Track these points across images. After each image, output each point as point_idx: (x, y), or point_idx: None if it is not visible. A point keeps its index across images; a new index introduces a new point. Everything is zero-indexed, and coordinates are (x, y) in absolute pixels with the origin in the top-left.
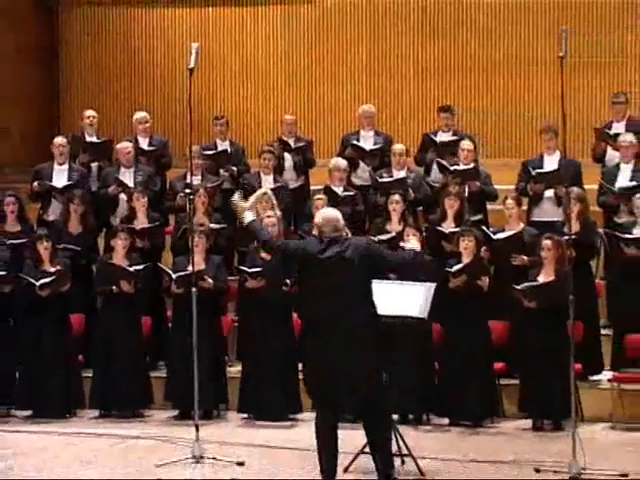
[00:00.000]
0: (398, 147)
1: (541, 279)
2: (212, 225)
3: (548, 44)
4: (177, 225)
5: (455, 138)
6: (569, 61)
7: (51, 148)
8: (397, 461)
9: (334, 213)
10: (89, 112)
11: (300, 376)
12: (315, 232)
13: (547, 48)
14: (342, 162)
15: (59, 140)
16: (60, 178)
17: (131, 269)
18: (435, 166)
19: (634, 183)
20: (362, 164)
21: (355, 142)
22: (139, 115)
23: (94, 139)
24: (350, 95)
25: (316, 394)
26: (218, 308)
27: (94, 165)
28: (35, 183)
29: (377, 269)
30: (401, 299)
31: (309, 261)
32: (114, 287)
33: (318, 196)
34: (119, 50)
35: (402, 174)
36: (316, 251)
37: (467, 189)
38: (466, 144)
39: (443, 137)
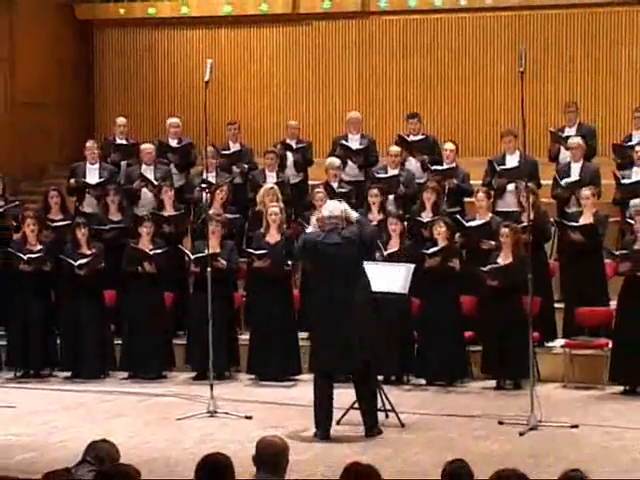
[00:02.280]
0: (393, 149)
1: (500, 261)
2: (228, 215)
3: (510, 60)
4: (195, 214)
5: (423, 137)
6: (527, 74)
7: (84, 150)
8: (381, 415)
9: (338, 205)
10: (120, 120)
11: (300, 343)
12: (315, 219)
13: (509, 64)
14: (336, 161)
15: (89, 144)
16: (92, 175)
17: (152, 253)
18: (408, 164)
19: (578, 177)
20: (350, 163)
21: (344, 142)
22: (171, 120)
23: (123, 142)
24: (342, 103)
25: (319, 356)
26: (231, 285)
27: (123, 163)
28: (72, 180)
29: (365, 247)
30: (385, 277)
31: (315, 247)
32: (139, 268)
33: (318, 189)
34: (145, 65)
35: (396, 172)
36: (319, 239)
37: (447, 186)
38: (449, 146)
39: (413, 139)
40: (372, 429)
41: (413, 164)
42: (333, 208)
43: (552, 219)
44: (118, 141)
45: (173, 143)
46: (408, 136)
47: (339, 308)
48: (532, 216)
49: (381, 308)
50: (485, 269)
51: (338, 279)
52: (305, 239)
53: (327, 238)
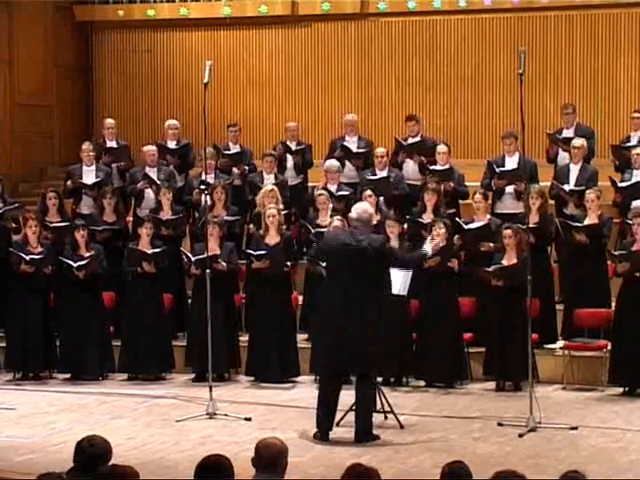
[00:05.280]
0: (379, 150)
1: (505, 262)
2: (227, 218)
3: (509, 62)
4: (194, 216)
5: (419, 140)
6: (526, 76)
7: (80, 153)
8: (380, 417)
9: (365, 208)
10: (108, 122)
11: (299, 344)
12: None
13: (508, 66)
14: (335, 163)
15: (85, 146)
16: (89, 177)
17: (150, 252)
18: (406, 166)
19: (582, 187)
20: (348, 165)
21: (345, 143)
22: (170, 122)
23: (113, 144)
24: (340, 105)
25: (325, 358)
26: (231, 287)
27: (114, 165)
28: (68, 182)
29: (387, 260)
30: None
31: (333, 249)
32: (138, 268)
33: (320, 192)
34: (144, 67)
35: (384, 173)
36: (338, 240)
37: (443, 188)
38: (442, 148)
39: (411, 141)
40: (362, 435)
41: (411, 166)
42: (359, 211)
43: (557, 220)
44: (108, 144)
45: (172, 145)
46: (405, 139)
47: (346, 309)
48: (538, 218)
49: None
50: (489, 270)
51: (349, 280)
52: (326, 237)
53: (346, 239)
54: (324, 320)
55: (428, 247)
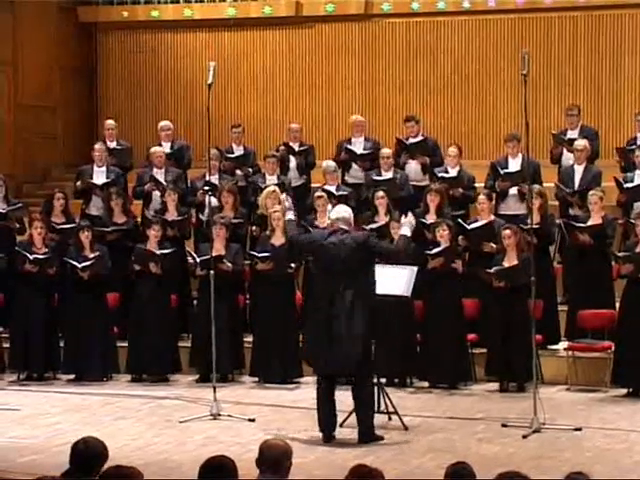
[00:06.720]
0: (385, 151)
1: (506, 264)
2: (234, 220)
3: (513, 63)
4: (198, 217)
5: (421, 139)
6: (530, 78)
7: (92, 153)
8: (384, 418)
9: (345, 208)
10: (108, 122)
11: (301, 345)
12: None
13: (512, 67)
14: (332, 164)
15: (98, 146)
16: (100, 177)
17: (158, 253)
18: (408, 166)
19: (580, 182)
20: (354, 166)
21: (348, 146)
22: (162, 124)
23: (114, 145)
24: (345, 106)
25: (314, 359)
26: (237, 288)
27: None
28: (78, 182)
29: (372, 255)
30: (388, 280)
31: (316, 247)
32: (136, 266)
33: (318, 194)
34: (148, 68)
35: (390, 174)
36: (322, 239)
37: (452, 195)
38: (452, 151)
39: (411, 141)
40: (365, 435)
41: (413, 167)
42: (340, 211)
43: (560, 221)
44: (109, 145)
45: (166, 147)
46: (407, 139)
47: (335, 310)
48: (539, 219)
49: (384, 310)
50: (491, 271)
51: (335, 280)
52: (309, 237)
53: (329, 239)
54: (313, 320)
55: (407, 230)
